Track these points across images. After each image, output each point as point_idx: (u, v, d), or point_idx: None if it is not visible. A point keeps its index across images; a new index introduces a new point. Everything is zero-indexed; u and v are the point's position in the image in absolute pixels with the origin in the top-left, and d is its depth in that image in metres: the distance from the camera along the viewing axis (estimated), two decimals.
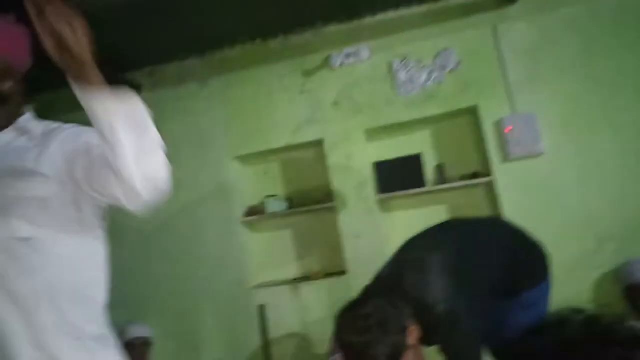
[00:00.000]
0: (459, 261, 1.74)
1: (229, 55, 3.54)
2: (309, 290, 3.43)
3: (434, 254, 1.75)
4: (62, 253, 1.15)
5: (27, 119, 1.27)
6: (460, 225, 2.12)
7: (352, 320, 1.59)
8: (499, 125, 3.17)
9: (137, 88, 3.68)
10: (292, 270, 3.70)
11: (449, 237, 1.88)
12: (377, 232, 3.35)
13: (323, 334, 3.26)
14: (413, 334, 1.62)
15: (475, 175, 3.30)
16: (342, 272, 3.39)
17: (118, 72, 3.55)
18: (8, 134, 1.23)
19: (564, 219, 3.06)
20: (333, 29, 3.39)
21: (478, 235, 1.93)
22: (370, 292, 1.80)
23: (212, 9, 2.90)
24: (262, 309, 3.07)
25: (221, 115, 3.61)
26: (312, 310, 3.40)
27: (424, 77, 3.27)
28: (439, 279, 1.68)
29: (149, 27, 2.99)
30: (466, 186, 3.32)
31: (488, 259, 1.82)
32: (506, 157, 3.15)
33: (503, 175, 3.17)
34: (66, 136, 1.23)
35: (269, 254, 3.74)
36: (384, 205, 3.49)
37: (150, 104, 4.07)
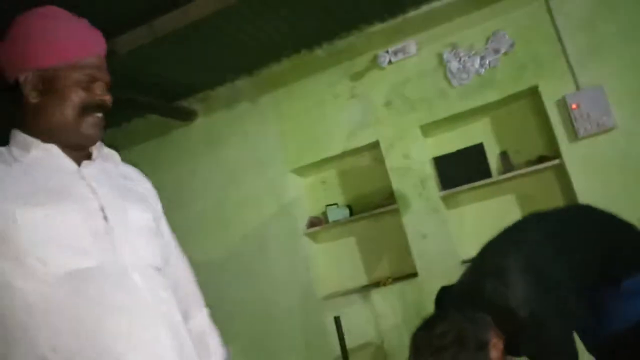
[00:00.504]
0: (542, 260, 1.60)
1: (276, 70, 3.56)
2: (380, 297, 3.33)
3: (513, 255, 1.61)
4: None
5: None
6: (539, 219, 1.94)
7: (427, 339, 1.51)
8: (563, 104, 2.97)
9: (192, 114, 3.78)
10: (360, 278, 3.62)
11: (528, 235, 1.74)
12: (445, 230, 3.22)
13: (399, 341, 3.16)
14: (496, 347, 1.50)
15: (542, 159, 3.11)
16: (412, 275, 3.27)
17: (172, 101, 3.67)
18: (99, 152, 1.15)
19: None
20: (377, 28, 3.33)
21: (561, 227, 1.77)
22: (446, 306, 1.70)
23: (255, 27, 2.94)
24: (337, 320, 3.01)
25: (275, 131, 3.63)
26: (386, 317, 3.29)
27: (477, 63, 3.14)
28: (519, 282, 1.55)
29: (196, 54, 3.07)
30: (534, 172, 3.13)
31: (576, 251, 1.66)
32: (575, 136, 2.94)
33: (573, 155, 2.96)
34: (154, 193, 1.26)
35: (336, 263, 3.68)
36: (448, 202, 3.36)
37: (206, 129, 4.20)
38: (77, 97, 1.03)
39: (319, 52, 3.49)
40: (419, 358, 1.51)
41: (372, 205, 3.47)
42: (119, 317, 0.93)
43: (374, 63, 3.39)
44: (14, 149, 1.02)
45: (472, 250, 3.32)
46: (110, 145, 1.18)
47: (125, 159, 1.25)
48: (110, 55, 2.50)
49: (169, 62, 3.05)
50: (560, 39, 3.01)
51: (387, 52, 3.33)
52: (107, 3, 2.30)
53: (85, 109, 1.05)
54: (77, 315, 0.91)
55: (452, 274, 2.90)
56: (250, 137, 3.70)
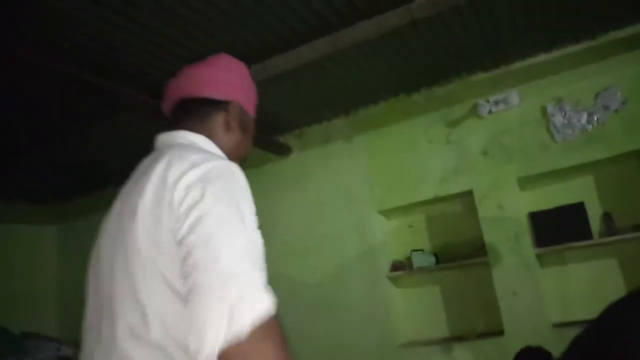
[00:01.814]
0: None
1: (372, 112, 3.61)
2: (461, 351, 3.20)
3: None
4: None
5: None
6: None
7: None
8: None
9: (287, 149, 3.91)
10: (442, 330, 3.50)
11: None
12: (537, 289, 3.06)
13: None
14: None
15: None
16: (497, 333, 3.12)
17: (271, 136, 3.82)
18: None
19: None
20: (478, 76, 3.31)
21: None
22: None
23: (357, 69, 3.02)
24: None
25: (365, 170, 3.67)
26: None
27: (583, 119, 3.03)
28: None
29: (299, 93, 3.20)
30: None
31: None
32: None
33: None
34: None
35: (416, 311, 3.60)
36: (543, 260, 3.20)
37: (299, 164, 4.34)
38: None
39: (417, 96, 3.51)
40: None
41: (460, 255, 3.37)
42: None
43: (473, 111, 3.36)
44: None
45: (565, 313, 3.15)
46: None
47: None
48: None
49: (273, 100, 3.20)
50: None
51: (488, 101, 3.30)
52: (226, 42, 2.46)
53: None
54: None
55: (541, 336, 2.77)
56: (341, 173, 3.76)
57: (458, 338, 3.29)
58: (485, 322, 3.30)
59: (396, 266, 3.54)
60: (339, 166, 3.79)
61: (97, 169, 3.91)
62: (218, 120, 1.11)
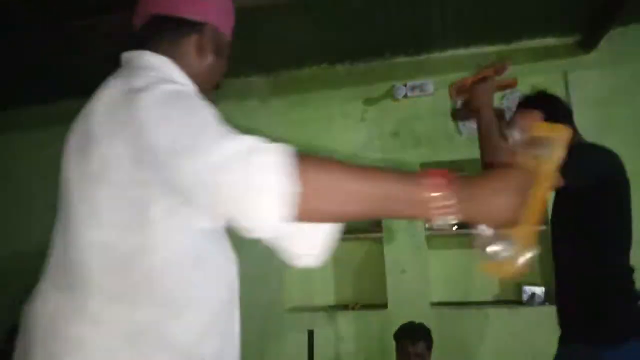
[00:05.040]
0: None
1: (294, 76, 3.59)
2: (345, 319, 3.34)
3: None
4: None
5: None
6: None
7: None
8: None
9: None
10: (328, 298, 3.62)
11: None
12: (423, 269, 3.27)
13: None
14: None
15: None
16: (382, 306, 3.30)
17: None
18: None
19: None
20: (400, 60, 3.41)
21: None
22: None
23: (285, 27, 2.96)
24: (311, 335, 2.97)
25: (281, 135, 3.63)
26: (347, 341, 3.30)
27: None
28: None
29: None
30: None
31: None
32: None
33: None
34: None
35: (307, 277, 3.68)
36: (430, 242, 3.42)
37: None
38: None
39: (340, 69, 3.54)
40: None
41: (357, 228, 3.49)
42: None
43: (390, 93, 3.45)
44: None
45: (443, 294, 3.40)
46: None
47: None
48: None
49: None
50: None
51: (405, 85, 3.40)
52: None
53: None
54: None
55: (421, 313, 2.98)
56: (256, 132, 3.68)
57: (344, 307, 3.42)
58: (371, 294, 3.46)
59: None
60: (255, 126, 3.70)
61: None
62: (190, 42, 1.02)
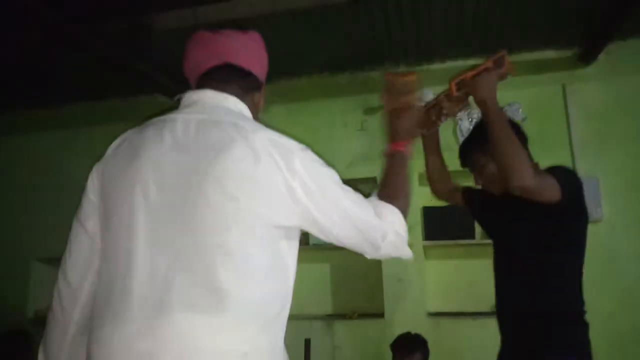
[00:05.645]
0: None
1: (294, 85, 3.60)
2: (341, 329, 3.34)
3: None
4: None
5: None
6: None
7: None
8: None
9: None
10: (325, 307, 3.62)
11: None
12: (420, 279, 3.27)
13: None
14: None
15: None
16: (379, 315, 3.30)
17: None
18: None
19: (620, 289, 2.91)
20: (400, 70, 3.43)
21: None
22: None
23: (289, 37, 2.98)
24: (307, 344, 2.97)
25: None
26: (343, 349, 3.30)
27: None
28: None
29: None
30: None
31: None
32: None
33: None
34: None
35: (304, 286, 3.67)
36: (428, 252, 3.42)
37: None
38: None
39: (341, 78, 3.55)
40: None
41: None
42: None
43: None
44: None
45: (440, 304, 3.40)
46: None
47: None
48: (146, 29, 2.49)
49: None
50: (569, 124, 3.15)
51: None
52: None
53: None
54: None
55: (417, 323, 2.97)
56: None
57: (341, 316, 3.41)
58: (368, 304, 3.46)
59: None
60: None
61: None
62: (253, 98, 1.18)
